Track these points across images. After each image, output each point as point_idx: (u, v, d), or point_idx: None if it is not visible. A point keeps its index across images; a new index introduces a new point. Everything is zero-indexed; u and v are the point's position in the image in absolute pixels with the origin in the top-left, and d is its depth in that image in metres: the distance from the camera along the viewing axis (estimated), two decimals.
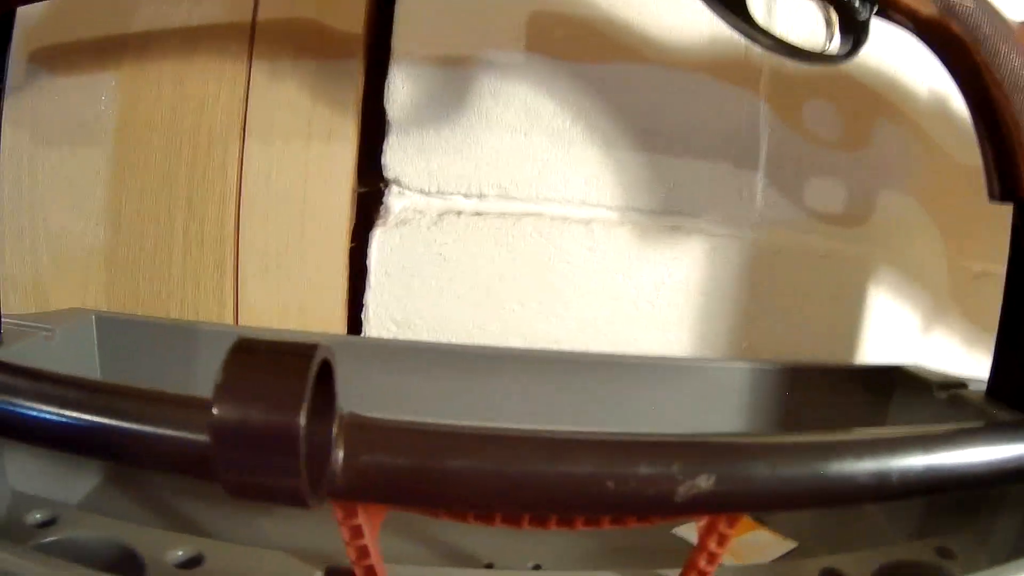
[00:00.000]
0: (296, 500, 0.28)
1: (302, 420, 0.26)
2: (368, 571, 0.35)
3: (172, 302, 0.66)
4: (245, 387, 0.28)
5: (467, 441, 0.32)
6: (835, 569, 0.43)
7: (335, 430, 0.30)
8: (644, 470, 0.31)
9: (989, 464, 0.38)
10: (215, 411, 0.27)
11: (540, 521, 0.35)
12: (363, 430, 0.31)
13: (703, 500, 0.31)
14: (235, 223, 0.67)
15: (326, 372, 0.30)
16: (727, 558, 0.47)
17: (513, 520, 0.35)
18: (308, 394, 0.27)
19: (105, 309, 0.63)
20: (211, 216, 0.66)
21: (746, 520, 0.52)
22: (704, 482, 0.31)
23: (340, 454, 0.30)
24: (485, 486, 0.31)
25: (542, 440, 0.32)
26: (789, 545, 0.51)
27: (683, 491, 0.31)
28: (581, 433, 0.32)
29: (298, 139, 0.67)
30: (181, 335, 0.56)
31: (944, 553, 0.46)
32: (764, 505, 0.34)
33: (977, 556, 0.45)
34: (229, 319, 0.67)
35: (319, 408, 0.30)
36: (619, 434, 0.32)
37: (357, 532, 0.33)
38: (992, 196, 0.45)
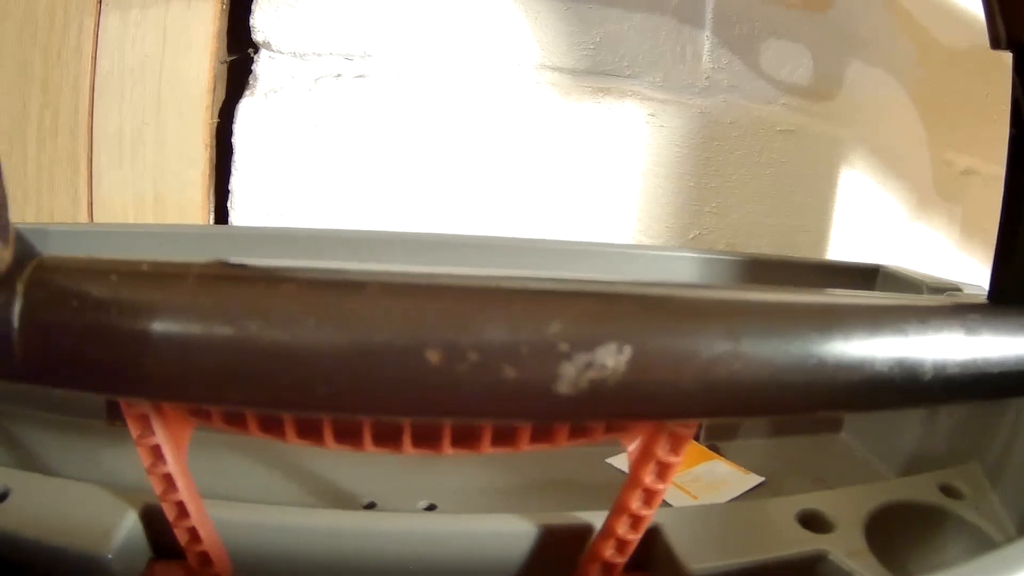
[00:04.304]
0: None
1: None
2: (179, 510, 0.27)
3: (29, 207, 0.63)
4: None
5: (195, 285, 0.18)
6: (816, 512, 0.34)
7: None
8: (496, 335, 0.16)
9: None
10: None
11: (349, 436, 0.22)
12: (49, 271, 0.21)
13: (612, 392, 0.17)
14: (89, 108, 0.63)
15: None
16: (676, 494, 0.41)
17: (312, 432, 0.22)
18: None
19: None
20: (65, 103, 0.63)
21: (697, 447, 0.46)
22: (612, 357, 0.16)
23: (16, 305, 0.20)
24: (216, 367, 0.18)
25: (311, 281, 0.17)
26: (754, 480, 0.44)
27: (572, 373, 0.16)
28: (382, 273, 0.17)
29: (157, 4, 0.62)
30: (35, 241, 0.48)
31: (949, 492, 0.38)
32: (718, 408, 0.19)
33: (989, 496, 0.38)
34: (83, 217, 0.64)
35: None
36: (453, 276, 0.18)
37: (157, 456, 0.26)
38: (995, 43, 0.37)
